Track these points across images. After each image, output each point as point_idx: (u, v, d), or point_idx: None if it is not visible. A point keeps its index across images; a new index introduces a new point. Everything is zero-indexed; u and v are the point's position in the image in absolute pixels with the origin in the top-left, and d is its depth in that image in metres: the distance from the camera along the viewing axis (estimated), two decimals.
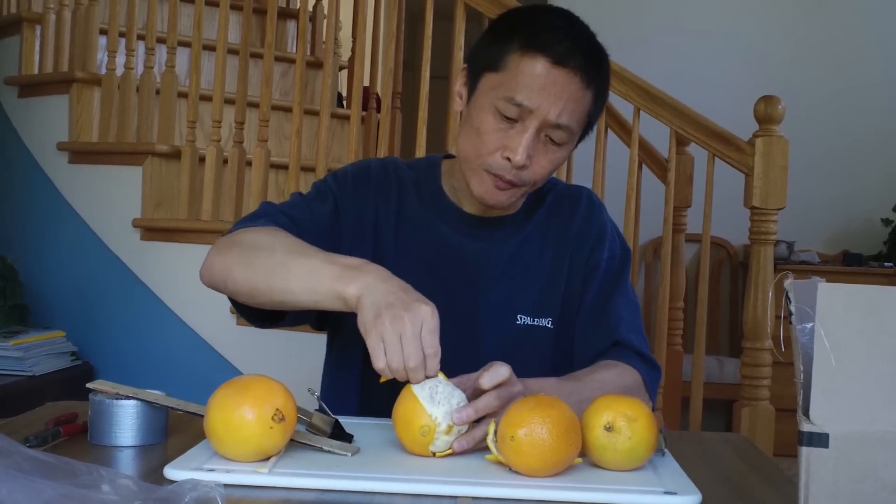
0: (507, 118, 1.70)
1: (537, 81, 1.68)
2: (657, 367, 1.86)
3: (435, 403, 1.40)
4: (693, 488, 1.27)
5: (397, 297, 1.47)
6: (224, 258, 1.70)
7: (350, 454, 1.38)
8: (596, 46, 1.77)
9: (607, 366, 1.77)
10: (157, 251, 3.91)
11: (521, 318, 1.83)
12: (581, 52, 1.71)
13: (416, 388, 1.41)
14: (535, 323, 1.83)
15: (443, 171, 1.92)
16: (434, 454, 1.39)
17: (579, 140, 1.82)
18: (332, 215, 1.84)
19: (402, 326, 1.42)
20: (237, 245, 1.70)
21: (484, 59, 1.76)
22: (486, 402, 1.44)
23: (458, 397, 1.41)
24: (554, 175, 1.86)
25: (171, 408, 1.51)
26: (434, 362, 1.43)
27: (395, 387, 1.44)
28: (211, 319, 3.78)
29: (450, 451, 1.40)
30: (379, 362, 1.43)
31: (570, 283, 1.87)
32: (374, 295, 1.48)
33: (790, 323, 1.17)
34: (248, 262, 1.65)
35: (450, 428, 1.38)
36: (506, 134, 1.70)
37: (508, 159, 1.70)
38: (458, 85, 1.83)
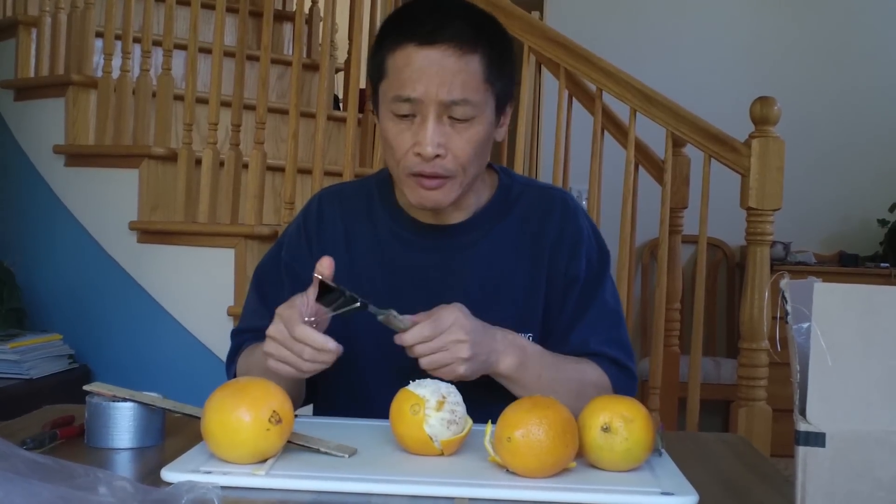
0: (404, 116, 1.68)
1: (413, 69, 1.66)
2: (633, 376, 1.84)
3: (421, 387, 1.42)
4: (690, 489, 1.27)
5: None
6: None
7: (347, 455, 1.38)
8: (470, 11, 1.74)
9: (588, 363, 1.78)
10: (154, 254, 3.91)
11: None
12: (449, 23, 1.68)
13: (409, 386, 1.42)
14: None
15: (396, 183, 1.86)
16: (441, 452, 1.40)
17: (501, 108, 1.77)
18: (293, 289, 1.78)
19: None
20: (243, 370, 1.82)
21: (373, 74, 1.76)
22: (416, 332, 1.54)
23: (445, 387, 1.42)
24: (532, 178, 1.83)
25: (168, 410, 1.51)
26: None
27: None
28: (208, 322, 3.78)
29: (453, 440, 1.40)
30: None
31: (550, 294, 1.83)
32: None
33: (786, 323, 1.17)
34: None
35: (440, 404, 1.39)
36: (410, 132, 1.69)
37: (420, 155, 1.68)
38: (375, 111, 1.82)
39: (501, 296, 1.81)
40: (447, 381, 1.47)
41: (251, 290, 1.92)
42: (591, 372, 1.76)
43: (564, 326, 1.82)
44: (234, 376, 1.82)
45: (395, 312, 1.54)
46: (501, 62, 1.74)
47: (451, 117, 1.68)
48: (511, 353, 1.64)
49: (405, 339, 1.55)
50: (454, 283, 1.80)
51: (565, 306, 1.83)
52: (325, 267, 1.54)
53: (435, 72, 1.65)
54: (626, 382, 1.80)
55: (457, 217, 1.83)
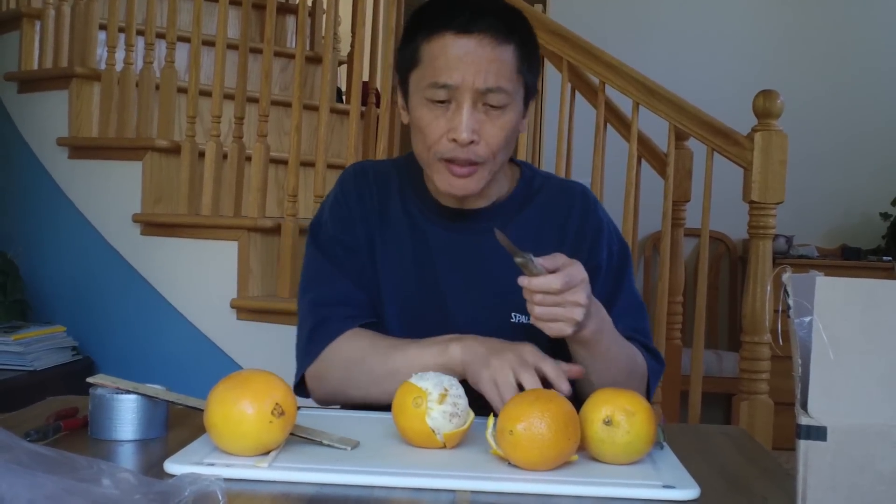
0: (440, 103, 1.71)
1: (450, 57, 1.70)
2: (662, 363, 1.88)
3: (424, 379, 1.42)
4: (691, 482, 1.27)
5: (495, 346, 1.62)
6: (330, 384, 1.81)
7: (350, 448, 1.39)
8: (502, 3, 1.78)
9: (635, 344, 1.80)
10: (157, 246, 3.91)
11: (515, 316, 1.80)
12: (483, 13, 1.72)
13: (412, 379, 1.43)
14: (530, 322, 1.79)
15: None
16: (444, 444, 1.40)
17: (527, 100, 1.81)
18: (356, 259, 1.86)
19: (511, 360, 1.57)
20: (334, 368, 1.80)
21: (404, 63, 1.79)
22: (546, 279, 1.55)
23: (447, 380, 1.42)
24: (552, 172, 1.85)
25: (172, 402, 1.51)
26: (563, 382, 1.56)
27: None
28: (211, 314, 3.78)
29: (456, 433, 1.40)
30: (497, 405, 1.53)
31: None
32: (476, 352, 1.62)
33: (788, 317, 1.17)
34: (355, 382, 1.77)
35: (442, 397, 1.39)
36: (445, 118, 1.72)
37: (455, 140, 1.70)
38: (399, 99, 1.85)
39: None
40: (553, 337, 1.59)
41: (314, 252, 1.90)
42: (637, 353, 1.80)
43: None
44: (316, 358, 1.81)
45: (532, 256, 1.53)
46: (531, 55, 1.79)
47: (485, 104, 1.72)
48: (597, 319, 1.65)
49: (533, 283, 1.54)
50: (482, 263, 1.83)
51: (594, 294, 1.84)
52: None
53: (472, 60, 1.69)
54: (657, 368, 1.85)
55: (479, 203, 1.87)
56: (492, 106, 1.72)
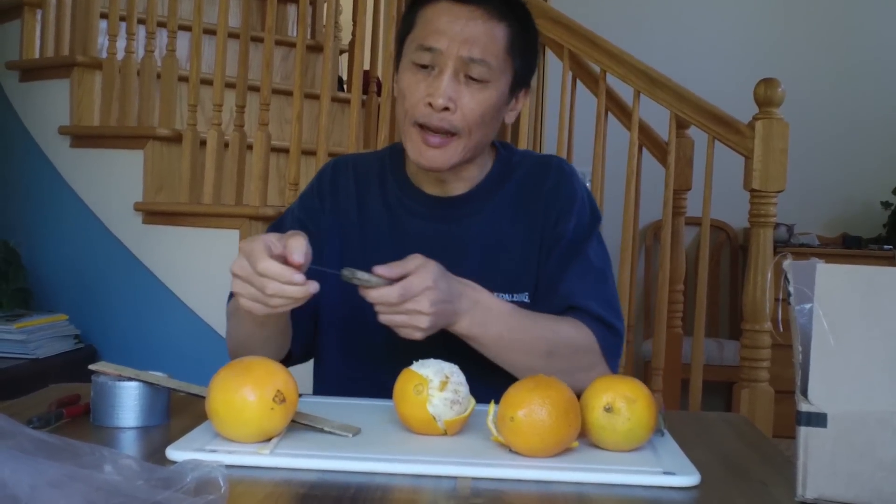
0: (424, 66, 1.73)
1: (441, 21, 1.73)
2: (618, 334, 1.82)
3: (425, 366, 1.43)
4: (692, 468, 1.27)
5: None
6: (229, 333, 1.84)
7: (351, 435, 1.39)
8: None
9: (569, 321, 1.77)
10: (159, 235, 3.92)
11: (499, 295, 1.78)
12: None
13: (413, 366, 1.43)
14: (514, 299, 1.80)
15: (407, 156, 1.91)
16: (445, 431, 1.40)
17: (516, 88, 1.83)
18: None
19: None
20: (230, 339, 1.84)
21: (401, 29, 1.83)
22: (381, 292, 1.52)
23: (448, 367, 1.43)
24: (534, 150, 1.85)
25: (173, 389, 1.52)
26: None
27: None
28: (212, 302, 3.78)
29: (457, 420, 1.41)
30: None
31: (543, 253, 1.85)
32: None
33: (789, 304, 1.18)
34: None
35: (443, 384, 1.39)
36: (425, 82, 1.74)
37: (431, 105, 1.72)
38: (394, 71, 1.86)
39: (500, 259, 1.84)
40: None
41: (269, 229, 1.90)
42: (567, 330, 1.75)
43: (549, 280, 1.83)
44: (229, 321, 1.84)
45: (354, 271, 1.51)
46: (525, 42, 1.81)
47: (467, 76, 1.73)
48: (472, 313, 1.64)
49: (369, 296, 1.53)
50: (457, 251, 1.83)
51: (550, 260, 1.84)
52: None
53: (460, 28, 1.72)
54: (611, 341, 1.79)
55: (460, 188, 1.87)
56: (473, 78, 1.73)
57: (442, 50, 1.71)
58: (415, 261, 1.56)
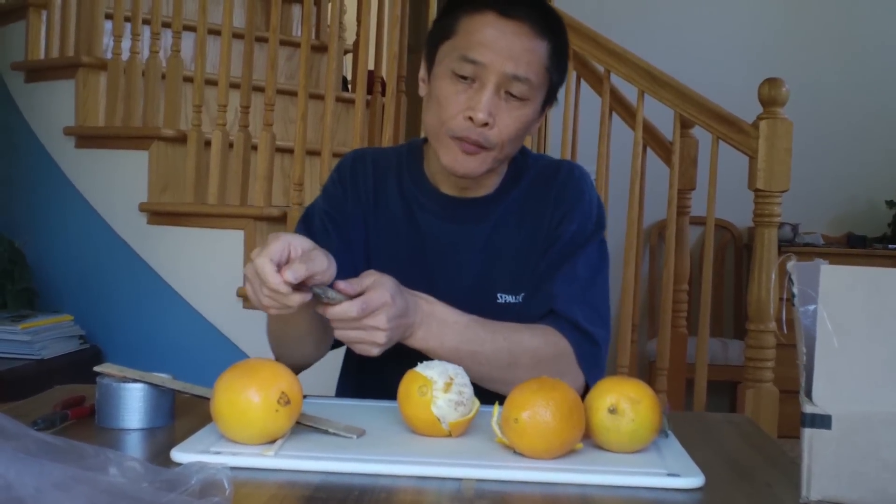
0: (464, 78, 1.72)
1: (487, 35, 1.71)
2: (596, 343, 1.79)
3: (429, 368, 1.43)
4: (696, 470, 1.27)
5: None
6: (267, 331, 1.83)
7: (355, 436, 1.39)
8: (543, 2, 1.80)
9: (536, 329, 1.75)
10: (164, 235, 3.92)
11: (501, 296, 1.82)
12: (527, 3, 1.74)
13: (418, 367, 1.43)
14: (515, 300, 1.82)
15: (425, 153, 1.92)
16: (449, 433, 1.40)
17: (546, 104, 1.83)
18: (341, 232, 1.87)
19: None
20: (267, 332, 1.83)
21: (438, 33, 1.80)
22: (342, 308, 1.50)
23: (453, 369, 1.43)
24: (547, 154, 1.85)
25: (178, 391, 1.52)
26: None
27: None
28: (217, 303, 3.79)
29: (461, 421, 1.41)
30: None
31: (542, 253, 1.85)
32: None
33: (793, 305, 1.18)
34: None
35: (447, 385, 1.40)
36: (465, 95, 1.72)
37: (471, 119, 1.71)
38: (421, 72, 1.85)
39: (504, 261, 1.85)
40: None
41: (299, 228, 1.92)
42: (531, 341, 1.73)
43: (539, 279, 1.83)
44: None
45: (326, 289, 1.50)
46: (560, 58, 1.81)
47: (507, 92, 1.72)
48: (426, 326, 1.63)
49: (329, 313, 1.52)
50: (464, 250, 1.85)
51: (544, 259, 1.84)
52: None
53: (507, 44, 1.71)
54: (587, 349, 1.77)
55: (477, 192, 1.87)
56: (513, 95, 1.72)
57: (486, 64, 1.70)
58: (371, 276, 1.55)
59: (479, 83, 1.71)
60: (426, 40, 1.84)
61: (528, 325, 1.76)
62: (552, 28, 1.77)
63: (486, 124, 1.71)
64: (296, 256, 1.47)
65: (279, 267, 1.45)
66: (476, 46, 1.71)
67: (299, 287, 1.46)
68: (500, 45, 1.70)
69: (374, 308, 1.51)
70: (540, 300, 1.81)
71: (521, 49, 1.71)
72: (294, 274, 1.43)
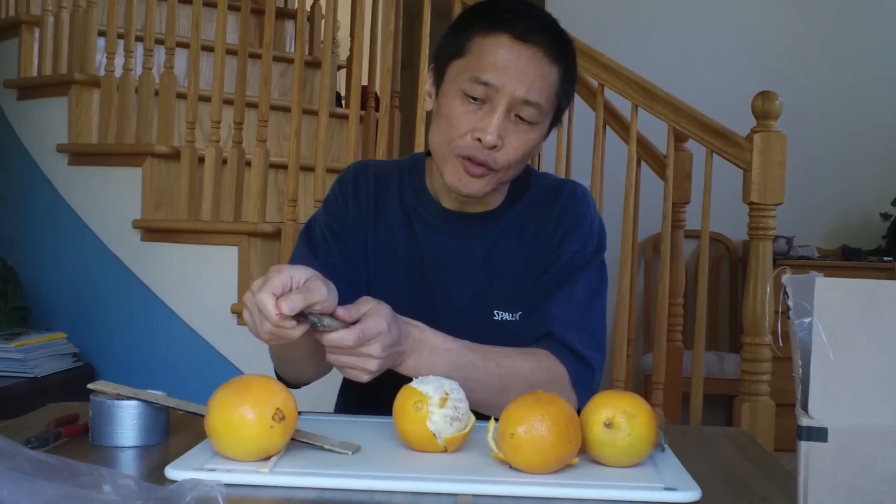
0: (475, 99, 1.71)
1: (501, 58, 1.70)
2: (591, 368, 1.79)
3: (425, 383, 1.42)
4: (693, 484, 1.27)
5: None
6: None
7: (351, 452, 1.39)
8: (557, 27, 1.80)
9: (529, 354, 1.74)
10: (158, 252, 3.92)
11: (498, 313, 1.82)
12: (542, 28, 1.74)
13: (413, 383, 1.43)
14: (512, 318, 1.82)
15: (427, 167, 1.92)
16: (445, 448, 1.40)
17: (551, 126, 1.82)
18: (342, 245, 1.87)
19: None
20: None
21: (449, 49, 1.79)
22: (339, 336, 1.48)
23: (448, 384, 1.42)
24: (550, 173, 1.85)
25: (172, 408, 1.51)
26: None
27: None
28: (211, 319, 3.78)
29: (457, 436, 1.40)
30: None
31: (541, 272, 1.85)
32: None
33: (788, 318, 1.18)
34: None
35: (443, 401, 1.39)
36: (475, 115, 1.72)
37: (479, 140, 1.70)
38: (427, 85, 1.85)
39: (502, 279, 1.85)
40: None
41: (301, 241, 1.92)
42: (523, 366, 1.72)
43: (538, 299, 1.83)
44: None
45: (321, 318, 1.48)
46: (570, 83, 1.81)
47: (517, 115, 1.72)
48: (417, 353, 1.62)
49: (325, 340, 1.50)
50: (463, 265, 1.85)
51: (542, 279, 1.84)
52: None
53: (520, 68, 1.70)
54: (582, 373, 1.77)
55: (479, 208, 1.87)
56: (522, 118, 1.72)
57: (498, 87, 1.69)
58: (367, 304, 1.54)
59: (489, 105, 1.71)
60: (434, 54, 1.83)
61: (522, 349, 1.75)
62: (565, 53, 1.77)
63: (493, 146, 1.71)
64: (295, 287, 1.46)
65: None
66: (489, 69, 1.70)
67: (297, 316, 1.45)
68: (514, 69, 1.70)
69: (370, 337, 1.50)
70: (537, 320, 1.81)
71: (535, 74, 1.71)
72: (290, 305, 1.42)
